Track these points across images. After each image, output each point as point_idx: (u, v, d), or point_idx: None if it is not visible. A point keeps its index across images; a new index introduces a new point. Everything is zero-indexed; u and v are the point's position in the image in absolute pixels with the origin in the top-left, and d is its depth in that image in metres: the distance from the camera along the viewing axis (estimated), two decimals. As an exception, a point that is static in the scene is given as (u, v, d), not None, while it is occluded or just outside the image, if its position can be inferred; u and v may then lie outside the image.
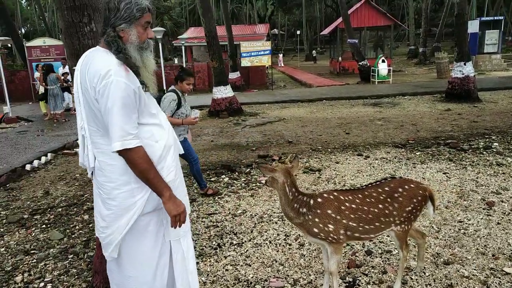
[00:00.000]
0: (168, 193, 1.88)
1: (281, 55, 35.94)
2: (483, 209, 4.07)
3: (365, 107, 11.83)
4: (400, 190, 2.56)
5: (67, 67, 12.73)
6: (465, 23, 11.76)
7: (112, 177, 1.92)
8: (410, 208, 2.55)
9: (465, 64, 11.29)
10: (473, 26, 18.84)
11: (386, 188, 2.57)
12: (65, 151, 8.06)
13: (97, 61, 1.82)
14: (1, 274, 3.33)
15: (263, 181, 5.29)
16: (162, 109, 4.48)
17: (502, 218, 3.84)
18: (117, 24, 1.83)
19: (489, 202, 4.20)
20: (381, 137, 7.62)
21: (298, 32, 39.71)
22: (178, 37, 31.22)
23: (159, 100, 4.49)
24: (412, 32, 32.96)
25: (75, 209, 4.88)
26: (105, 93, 1.76)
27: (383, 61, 17.46)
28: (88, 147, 2.00)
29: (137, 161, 1.81)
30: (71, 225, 4.35)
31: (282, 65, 34.45)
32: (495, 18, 20.37)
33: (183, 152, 2.28)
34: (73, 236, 4.08)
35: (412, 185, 2.61)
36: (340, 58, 24.05)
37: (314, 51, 40.01)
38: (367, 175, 5.40)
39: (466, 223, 3.77)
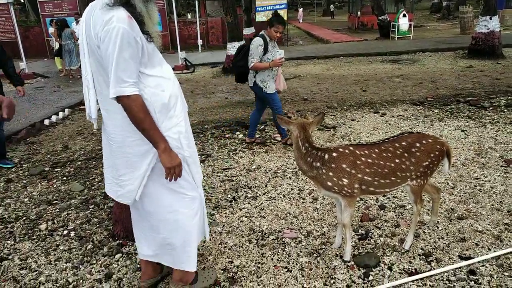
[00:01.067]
0: (164, 145, 1.90)
1: (300, 10, 33.23)
2: (501, 166, 4.02)
3: (384, 63, 11.49)
4: (418, 145, 2.52)
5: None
6: (494, -28, 11.03)
7: (124, 126, 1.94)
8: (427, 163, 2.52)
9: (491, 19, 10.72)
10: (502, -23, 17.69)
11: (403, 143, 2.53)
12: (81, 106, 8.16)
13: (100, 9, 1.81)
14: (26, 222, 3.49)
15: (278, 137, 5.30)
16: (250, 54, 4.60)
17: (520, 175, 3.79)
18: None
19: (507, 159, 4.13)
20: (398, 95, 7.45)
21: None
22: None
23: (248, 48, 4.66)
24: (436, -16, 31.18)
25: (93, 162, 5.00)
26: (105, 39, 1.76)
27: (404, 15, 16.70)
28: (91, 98, 2.03)
29: (133, 109, 1.82)
30: (91, 178, 4.48)
31: (301, 21, 32.37)
32: (527, -32, 19.04)
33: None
34: (93, 188, 4.21)
35: (429, 140, 2.57)
36: (359, 13, 23.10)
37: (332, 6, 38.49)
38: (383, 133, 5.33)
39: (482, 180, 3.74)
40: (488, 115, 5.79)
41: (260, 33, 4.69)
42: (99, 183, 4.31)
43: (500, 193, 3.47)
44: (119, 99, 1.81)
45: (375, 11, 18.42)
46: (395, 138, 2.61)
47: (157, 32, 1.97)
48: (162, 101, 1.94)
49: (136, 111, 1.82)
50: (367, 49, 14.11)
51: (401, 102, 6.90)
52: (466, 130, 5.17)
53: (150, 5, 1.92)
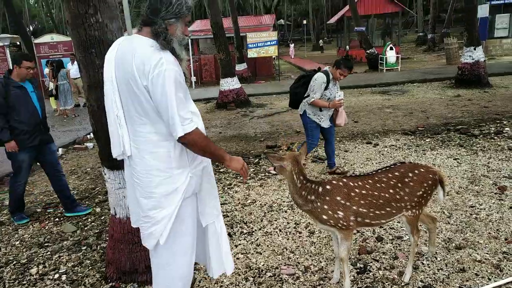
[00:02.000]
0: (228, 156, 2.07)
1: (292, 46, 33.14)
2: (495, 193, 4.03)
3: (374, 95, 11.72)
4: (411, 174, 2.54)
5: (75, 62, 12.81)
6: (475, 7, 11.53)
7: (154, 165, 1.97)
8: (421, 192, 2.53)
9: (475, 49, 11.10)
10: (483, 10, 18.41)
11: (396, 173, 2.55)
12: (75, 146, 8.15)
13: (144, 49, 1.85)
14: (17, 267, 3.40)
15: (272, 171, 5.30)
16: (311, 89, 4.71)
17: (515, 202, 3.80)
18: (168, 18, 1.89)
19: (501, 186, 4.15)
20: (390, 125, 7.56)
21: (305, 22, 39.33)
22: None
23: (309, 78, 4.81)
24: (421, 18, 32.47)
25: (87, 202, 4.94)
26: (159, 82, 1.80)
27: (391, 48, 17.23)
28: (124, 136, 2.03)
29: (198, 142, 1.91)
30: (83, 218, 4.41)
31: (293, 56, 31.89)
32: (506, 1, 19.89)
33: None
34: (85, 228, 4.13)
35: (422, 170, 2.59)
36: (347, 47, 23.81)
37: (321, 41, 39.62)
38: (376, 163, 5.37)
39: (477, 208, 3.74)
40: (479, 142, 5.87)
41: (325, 69, 4.84)
42: (92, 223, 4.24)
43: (496, 220, 3.47)
44: (182, 137, 1.87)
45: (363, 45, 19.00)
46: (388, 168, 2.63)
47: (187, 71, 2.08)
48: None
49: (201, 142, 1.92)
50: (357, 82, 14.42)
51: (393, 132, 6.99)
52: (459, 158, 5.22)
53: (182, 48, 2.02)
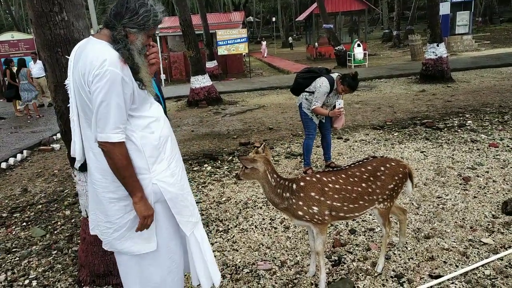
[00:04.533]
0: (140, 194, 1.86)
1: (264, 43, 31.34)
2: (460, 184, 4.22)
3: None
4: (382, 168, 2.62)
5: (38, 61, 12.32)
6: (436, 4, 11.94)
7: (109, 169, 1.87)
8: (392, 185, 2.62)
9: (437, 46, 11.51)
10: (444, 8, 19.14)
11: (368, 167, 2.63)
12: (41, 147, 7.85)
13: (93, 51, 1.77)
14: (-18, 274, 3.25)
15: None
16: (315, 95, 4.67)
17: (478, 191, 3.99)
18: (130, 26, 1.81)
19: (465, 177, 4.35)
20: (359, 120, 7.74)
21: (274, 19, 39.52)
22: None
23: (317, 75, 4.73)
24: (386, 16, 33.35)
25: (55, 205, 4.79)
26: (97, 83, 1.72)
27: (358, 45, 17.60)
28: (76, 139, 1.99)
29: (117, 156, 1.78)
30: (53, 221, 4.27)
31: (266, 55, 29.84)
32: (466, -1, 20.75)
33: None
34: (55, 232, 4.01)
35: (393, 163, 2.68)
36: (316, 44, 24.11)
37: (290, 38, 39.95)
38: (347, 157, 5.49)
39: (444, 199, 3.90)
40: (444, 135, 6.12)
41: (332, 75, 4.73)
42: (62, 227, 4.11)
43: (461, 210, 3.63)
44: (102, 144, 1.78)
45: (331, 41, 19.30)
46: (360, 163, 2.70)
47: (149, 79, 1.95)
48: (152, 144, 1.90)
49: (119, 158, 1.79)
50: (326, 78, 14.64)
51: (362, 127, 7.16)
52: (425, 151, 5.42)
53: (142, 57, 1.91)
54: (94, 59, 1.74)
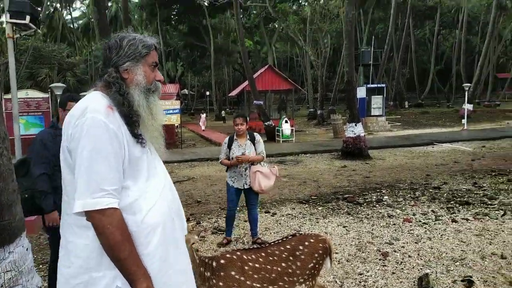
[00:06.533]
0: (146, 284, 1.39)
1: (203, 116, 28.59)
2: (379, 259, 4.35)
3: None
4: (301, 247, 2.62)
5: None
6: (354, 88, 13.31)
7: (71, 257, 1.45)
8: (312, 264, 2.60)
9: (356, 125, 12.59)
10: (361, 92, 21.39)
11: (288, 246, 2.61)
12: None
13: (79, 103, 1.49)
14: None
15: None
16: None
17: (396, 267, 4.13)
18: (121, 63, 1.51)
19: (383, 252, 4.51)
20: (286, 194, 7.90)
21: (208, 93, 40.87)
22: (81, 93, 29.62)
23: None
24: (311, 96, 36.22)
25: None
26: (75, 135, 1.38)
27: (286, 121, 18.66)
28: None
29: (108, 230, 1.33)
30: None
31: (204, 128, 27.62)
32: (379, 85, 23.47)
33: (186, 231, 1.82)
34: None
35: (312, 240, 2.69)
36: (247, 118, 25.12)
37: (223, 112, 41.26)
38: (274, 232, 5.46)
39: (365, 275, 3.96)
40: (364, 210, 6.42)
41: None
42: None
43: (381, 287, 3.69)
44: (89, 214, 1.34)
45: (261, 117, 20.25)
46: (280, 241, 2.68)
47: (159, 132, 1.60)
48: (130, 230, 1.42)
49: (111, 232, 1.33)
50: (256, 151, 15.08)
51: (289, 201, 7.30)
52: (347, 226, 5.60)
53: (153, 97, 1.57)
54: (75, 109, 1.45)
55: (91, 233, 1.38)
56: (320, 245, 2.69)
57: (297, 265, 2.54)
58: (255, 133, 5.07)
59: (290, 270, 2.51)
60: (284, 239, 2.72)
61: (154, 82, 1.59)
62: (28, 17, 7.25)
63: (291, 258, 2.55)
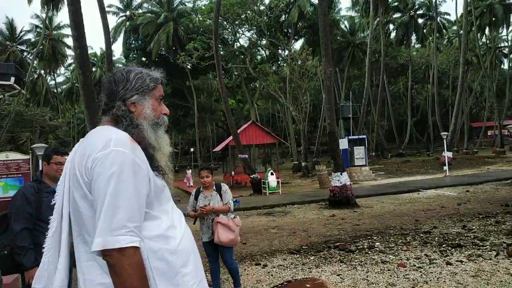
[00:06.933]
0: None
1: (189, 172, 27.64)
2: (377, 306, 4.16)
3: (260, 216, 12.09)
4: (299, 290, 2.50)
5: None
6: (336, 139, 13.58)
7: None
8: (310, 308, 2.47)
9: (341, 174, 12.67)
10: (343, 143, 21.82)
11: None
12: None
13: (96, 134, 1.40)
14: None
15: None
16: None
17: (395, 313, 3.95)
18: (128, 97, 1.47)
19: (381, 298, 4.33)
20: (276, 245, 7.69)
21: (192, 150, 40.94)
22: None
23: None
24: (294, 149, 36.71)
25: None
26: (98, 169, 1.28)
27: (271, 173, 18.67)
28: (60, 267, 1.42)
29: (126, 271, 1.21)
30: None
31: (192, 184, 26.16)
32: (359, 136, 24.05)
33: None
34: None
35: (308, 285, 2.59)
36: (233, 173, 25.04)
37: (207, 167, 41.10)
38: (266, 285, 5.23)
39: (364, 322, 3.77)
40: (356, 257, 6.26)
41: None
42: None
43: (382, 333, 3.50)
44: (106, 253, 1.23)
45: (246, 170, 20.24)
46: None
47: (168, 165, 1.55)
48: (165, 259, 1.37)
49: (130, 275, 1.22)
50: (243, 204, 14.82)
51: (280, 252, 7.08)
52: (341, 274, 5.42)
53: (160, 131, 1.54)
54: (96, 140, 1.35)
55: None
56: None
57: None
58: (222, 184, 4.99)
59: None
60: (280, 285, 2.60)
61: (161, 116, 1.57)
62: (13, 79, 7.33)
63: (288, 302, 2.42)
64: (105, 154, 1.30)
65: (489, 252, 5.92)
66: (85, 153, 1.35)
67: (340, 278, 5.25)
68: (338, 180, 12.64)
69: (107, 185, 1.27)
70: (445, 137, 22.40)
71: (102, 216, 1.25)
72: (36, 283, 1.44)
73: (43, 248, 1.48)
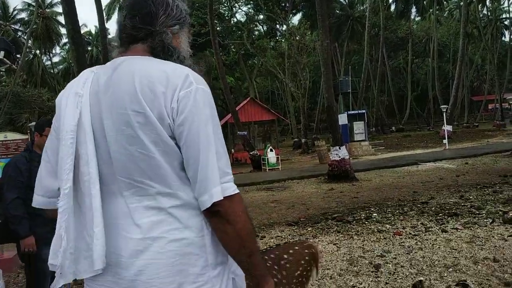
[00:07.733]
0: (271, 280, 1.22)
1: None
2: (372, 272, 4.22)
3: (259, 191, 12.16)
4: (286, 256, 2.48)
5: None
6: (335, 113, 13.49)
7: (177, 265, 1.12)
8: (299, 272, 2.47)
9: (339, 148, 12.65)
10: (342, 119, 21.70)
11: (272, 255, 2.48)
12: None
13: (152, 67, 1.14)
14: None
15: None
16: None
17: (389, 277, 4.01)
18: (170, 24, 1.22)
19: (376, 265, 4.39)
20: (275, 218, 7.75)
21: (191, 129, 40.94)
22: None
23: None
24: (294, 126, 36.62)
25: None
26: (188, 108, 1.09)
27: (271, 150, 18.68)
28: (96, 230, 1.12)
29: (240, 218, 1.12)
30: None
31: None
32: (359, 111, 23.93)
33: None
34: None
35: (296, 248, 2.57)
36: (232, 150, 25.09)
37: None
38: (263, 255, 5.28)
39: (358, 287, 3.82)
40: (353, 228, 6.31)
41: None
42: None
43: (375, 297, 3.55)
44: (217, 203, 1.09)
45: (246, 147, 20.25)
46: (264, 251, 2.55)
47: None
48: None
49: (245, 221, 1.13)
50: (243, 180, 14.92)
51: (278, 224, 7.14)
52: (338, 243, 5.47)
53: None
54: (169, 74, 1.11)
55: (200, 221, 1.16)
56: (306, 251, 2.57)
57: (283, 274, 2.40)
58: None
59: (275, 280, 2.38)
60: (268, 248, 2.60)
61: (190, 51, 1.34)
62: (2, 53, 7.19)
63: (275, 267, 2.42)
64: (191, 92, 1.11)
65: (485, 220, 5.96)
66: (153, 84, 1.10)
67: (337, 247, 5.30)
68: (337, 154, 12.64)
69: (206, 130, 1.11)
70: (444, 110, 22.29)
71: (210, 164, 1.10)
72: (52, 258, 1.18)
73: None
